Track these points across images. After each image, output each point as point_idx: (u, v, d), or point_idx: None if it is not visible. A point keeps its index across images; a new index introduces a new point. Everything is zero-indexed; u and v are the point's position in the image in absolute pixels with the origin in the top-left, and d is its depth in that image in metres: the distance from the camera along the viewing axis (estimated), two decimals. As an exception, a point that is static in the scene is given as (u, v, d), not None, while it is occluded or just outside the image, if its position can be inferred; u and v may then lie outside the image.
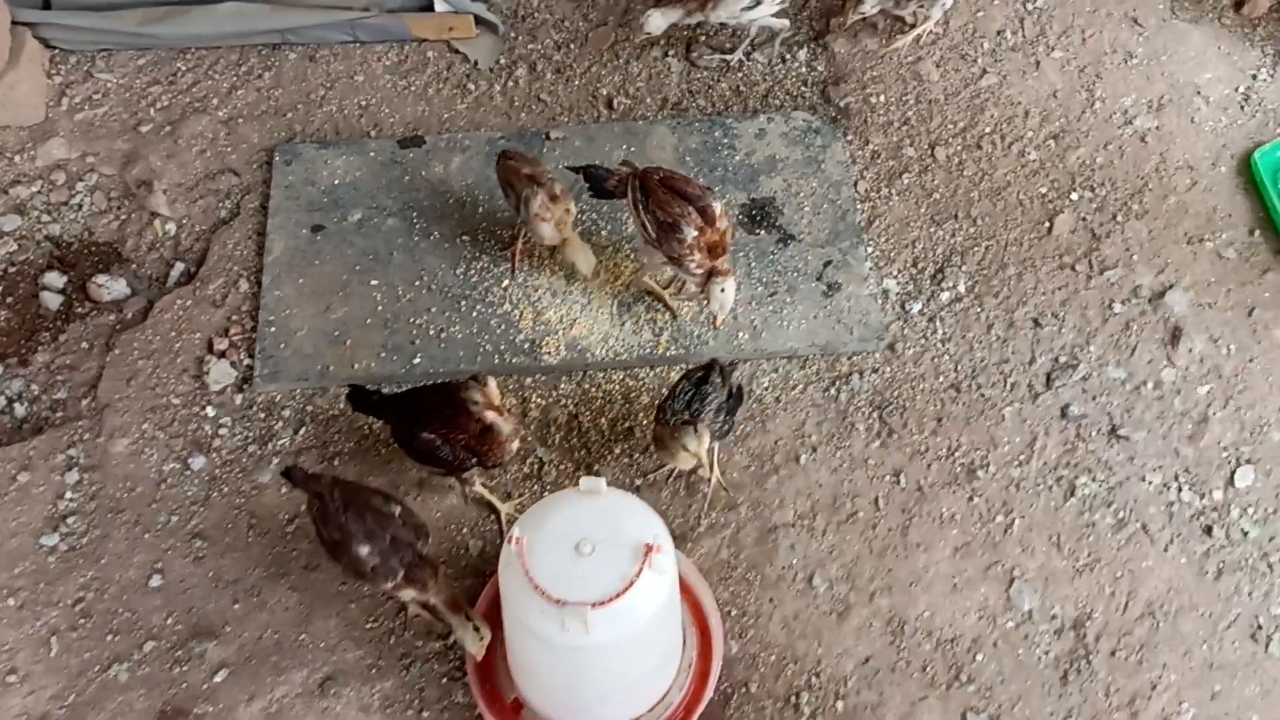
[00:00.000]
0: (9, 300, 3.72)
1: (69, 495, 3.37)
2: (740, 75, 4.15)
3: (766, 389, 3.54)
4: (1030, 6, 4.25)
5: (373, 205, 3.79)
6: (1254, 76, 4.08)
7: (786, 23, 4.05)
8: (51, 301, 3.69)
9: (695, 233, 3.29)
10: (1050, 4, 4.25)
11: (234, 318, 3.62)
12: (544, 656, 2.73)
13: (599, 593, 2.57)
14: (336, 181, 3.83)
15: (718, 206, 3.35)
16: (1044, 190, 3.88)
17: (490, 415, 3.04)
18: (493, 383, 3.09)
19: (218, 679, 3.11)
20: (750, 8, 3.87)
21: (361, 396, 3.24)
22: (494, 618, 2.92)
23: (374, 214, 3.77)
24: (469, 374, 3.15)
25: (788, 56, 4.19)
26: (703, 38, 4.21)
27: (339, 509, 2.94)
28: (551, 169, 3.63)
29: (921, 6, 4.03)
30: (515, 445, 3.11)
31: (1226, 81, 4.07)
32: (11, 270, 3.78)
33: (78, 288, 3.73)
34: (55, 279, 3.73)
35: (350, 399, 3.25)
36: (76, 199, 3.91)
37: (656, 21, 3.91)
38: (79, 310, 3.70)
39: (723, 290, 3.39)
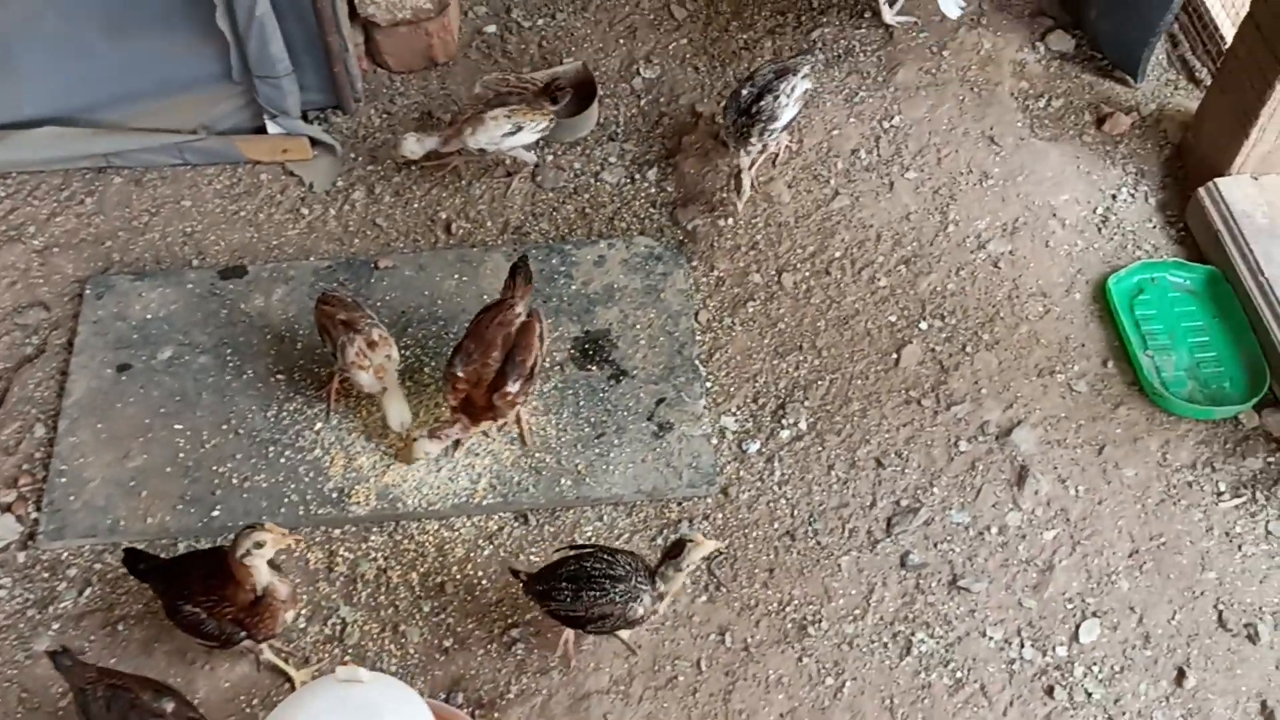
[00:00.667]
0: None
1: None
2: (587, 196, 4.01)
3: (589, 538, 3.34)
4: (886, 124, 4.13)
5: (185, 341, 3.60)
6: (1114, 196, 3.97)
7: (534, 157, 3.96)
8: None
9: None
10: (907, 122, 4.14)
11: (25, 466, 3.40)
12: None
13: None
14: (149, 315, 3.64)
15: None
16: (893, 319, 3.73)
17: (265, 577, 2.83)
18: (271, 532, 2.86)
19: None
20: (511, 134, 3.77)
21: (134, 560, 3.02)
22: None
23: (186, 350, 3.58)
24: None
25: (636, 176, 4.06)
26: (550, 157, 4.09)
27: (103, 706, 2.71)
28: (369, 314, 3.43)
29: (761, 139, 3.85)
30: (290, 615, 2.90)
31: (1084, 202, 3.95)
32: None
33: None
34: None
35: (125, 562, 3.04)
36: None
37: (411, 146, 3.81)
38: None
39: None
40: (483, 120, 3.74)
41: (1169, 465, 3.44)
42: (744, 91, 3.72)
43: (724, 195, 3.89)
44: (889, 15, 4.37)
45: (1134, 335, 3.64)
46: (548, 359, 3.56)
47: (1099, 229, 3.89)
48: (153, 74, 3.83)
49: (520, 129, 3.78)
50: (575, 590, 2.91)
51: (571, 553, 2.99)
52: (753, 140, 3.69)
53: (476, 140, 3.76)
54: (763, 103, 3.68)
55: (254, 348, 3.60)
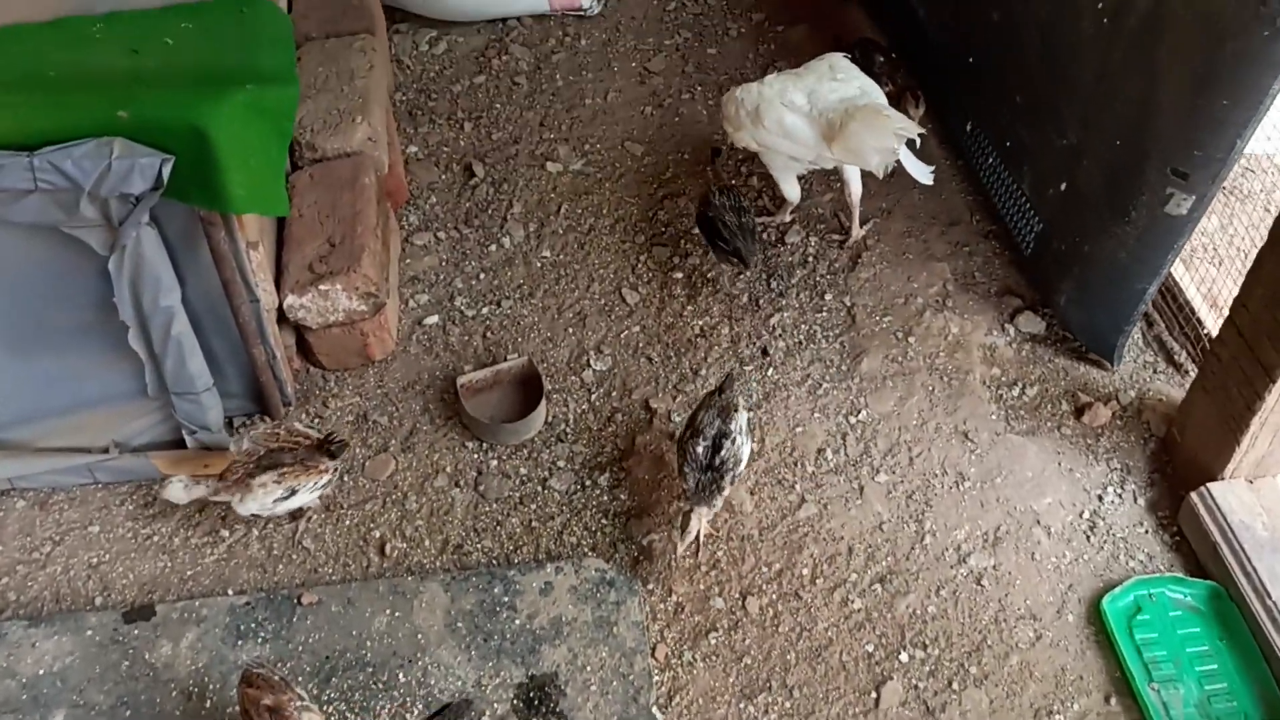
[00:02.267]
0: None
1: None
2: (534, 507, 3.70)
3: None
4: (853, 419, 3.89)
5: (80, 703, 3.19)
6: (1100, 497, 3.69)
7: (316, 501, 3.61)
8: None
9: None
10: (874, 416, 3.89)
11: None
12: None
13: None
14: (41, 671, 3.24)
15: None
16: (870, 648, 3.38)
17: None
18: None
19: None
20: (284, 499, 3.45)
21: None
22: None
23: (79, 714, 3.17)
24: None
25: (587, 483, 3.77)
26: (494, 462, 3.80)
27: None
28: (299, 693, 3.03)
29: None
30: None
31: (1069, 505, 3.67)
32: None
33: None
34: None
35: None
36: None
37: (176, 491, 3.45)
38: None
39: None
40: (250, 487, 3.39)
41: (1188, 826, 3.07)
42: (698, 449, 3.40)
43: (669, 530, 3.55)
44: (857, 233, 4.33)
45: (1136, 665, 3.30)
46: (488, 714, 3.19)
47: (1087, 537, 3.60)
48: (61, 392, 3.54)
49: (294, 493, 3.44)
50: None
51: None
52: (723, 492, 3.41)
53: (246, 507, 3.42)
54: (723, 452, 3.38)
55: (156, 708, 3.19)
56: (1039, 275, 4.17)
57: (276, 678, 3.03)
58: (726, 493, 3.45)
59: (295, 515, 3.62)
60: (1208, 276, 4.05)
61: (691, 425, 3.49)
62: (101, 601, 3.46)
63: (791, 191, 4.23)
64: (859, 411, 3.90)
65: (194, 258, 3.36)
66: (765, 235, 4.35)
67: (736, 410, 3.46)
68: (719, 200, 4.12)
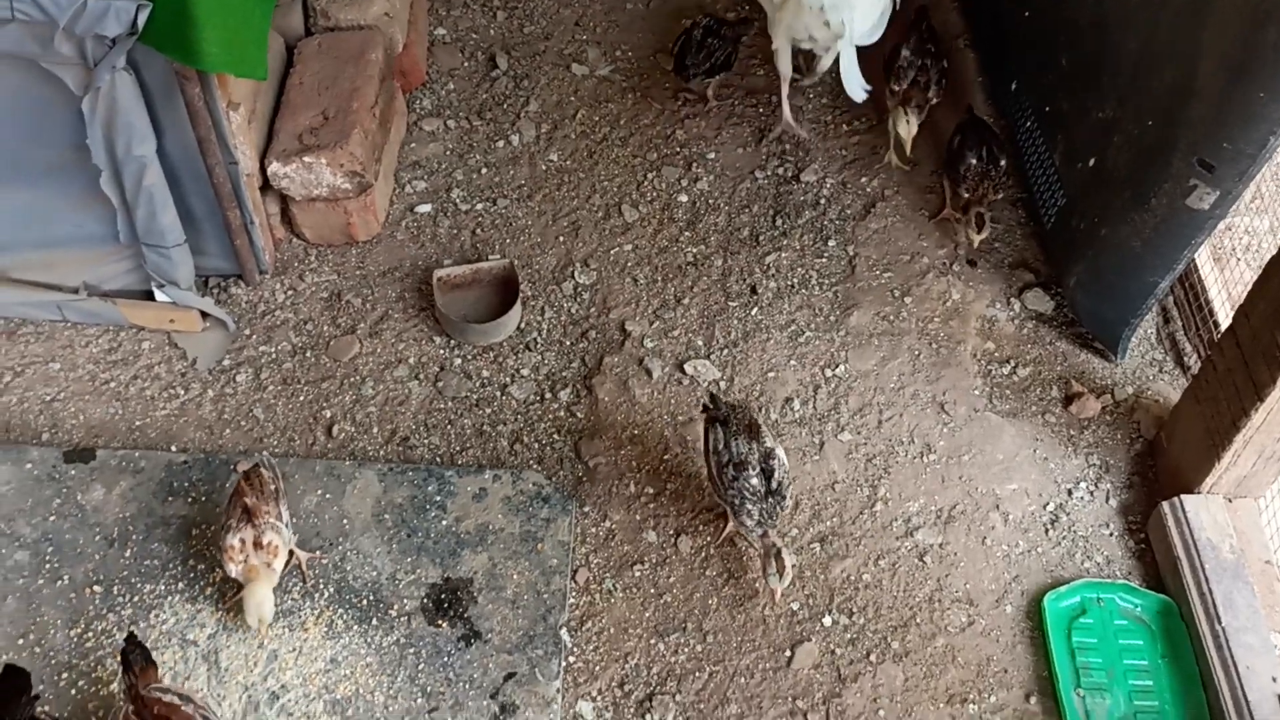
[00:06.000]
0: None
1: None
2: (489, 411, 3.64)
3: (400, 834, 2.92)
4: (829, 373, 3.74)
5: (6, 531, 3.24)
6: (1069, 491, 3.52)
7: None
8: None
9: None
10: (852, 373, 3.74)
11: None
12: None
13: None
14: (-24, 496, 3.34)
15: None
16: (795, 606, 3.29)
17: None
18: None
19: None
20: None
21: None
22: None
23: (3, 543, 3.22)
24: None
25: (547, 395, 3.70)
26: (458, 361, 3.75)
27: None
28: (280, 511, 3.12)
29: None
30: None
31: (1035, 495, 3.51)
32: None
33: None
34: None
35: None
36: None
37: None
38: None
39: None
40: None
41: (1082, 840, 2.96)
42: (752, 482, 3.15)
43: (760, 578, 3.26)
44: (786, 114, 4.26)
45: (1066, 668, 3.16)
46: (396, 608, 3.19)
47: (1046, 530, 3.44)
48: (37, 226, 3.54)
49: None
50: None
51: None
52: (782, 513, 3.23)
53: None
54: (776, 474, 3.17)
55: (78, 550, 3.24)
56: (1055, 252, 3.95)
57: (272, 486, 3.13)
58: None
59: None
60: (1241, 278, 3.79)
61: (728, 460, 3.21)
62: (48, 438, 3.50)
63: (782, 66, 4.20)
64: (837, 366, 3.75)
65: (173, 110, 3.31)
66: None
67: (760, 424, 3.26)
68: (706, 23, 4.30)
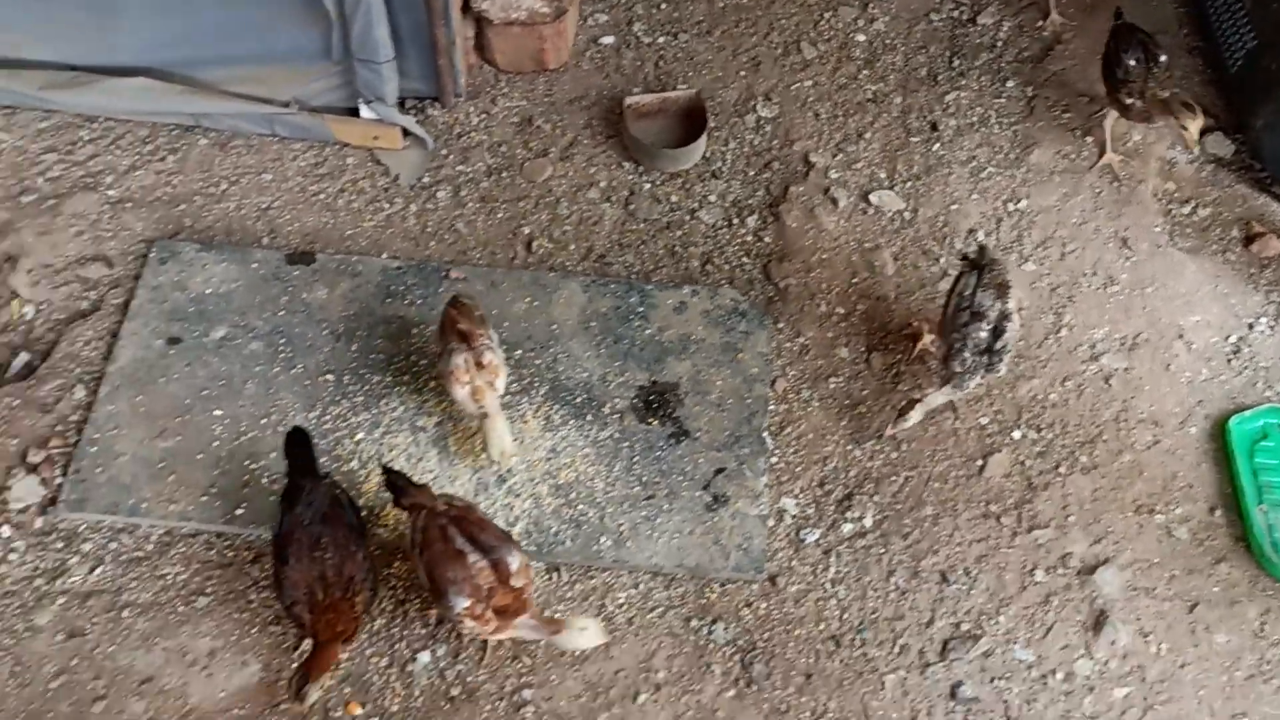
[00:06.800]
0: None
1: None
2: (680, 234, 3.77)
3: (621, 606, 3.11)
4: (1011, 207, 3.82)
5: (240, 323, 3.45)
6: (1250, 325, 3.61)
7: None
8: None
9: (468, 602, 2.79)
10: (1034, 208, 3.82)
11: (59, 428, 3.28)
12: None
13: None
14: (209, 290, 3.50)
15: (514, 561, 2.82)
16: (985, 421, 3.43)
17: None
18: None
19: None
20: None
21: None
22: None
23: (239, 333, 3.43)
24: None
25: (734, 221, 3.81)
26: (647, 186, 3.86)
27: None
28: (490, 333, 3.22)
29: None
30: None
31: (1217, 327, 3.60)
32: None
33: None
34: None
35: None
36: (-61, 263, 3.63)
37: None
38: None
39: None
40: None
41: (1266, 638, 3.10)
42: (981, 333, 3.18)
43: (886, 420, 3.37)
44: (1055, 17, 4.20)
45: (1250, 485, 3.30)
46: (608, 406, 3.36)
47: (1228, 360, 3.54)
48: (253, 40, 3.68)
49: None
50: None
51: None
52: (991, 375, 3.26)
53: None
54: (1006, 335, 3.20)
55: (308, 341, 3.43)
56: (1240, 96, 3.97)
57: (478, 313, 3.26)
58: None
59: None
60: None
61: (967, 306, 3.24)
62: (268, 241, 3.67)
63: None
64: (1019, 200, 3.83)
65: (395, -76, 3.40)
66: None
67: (1011, 286, 3.28)
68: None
